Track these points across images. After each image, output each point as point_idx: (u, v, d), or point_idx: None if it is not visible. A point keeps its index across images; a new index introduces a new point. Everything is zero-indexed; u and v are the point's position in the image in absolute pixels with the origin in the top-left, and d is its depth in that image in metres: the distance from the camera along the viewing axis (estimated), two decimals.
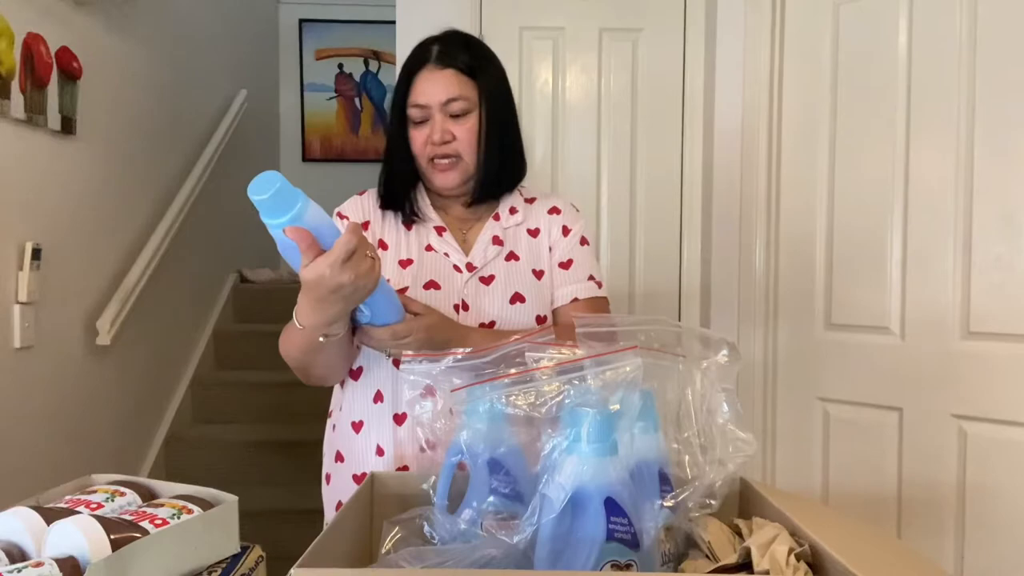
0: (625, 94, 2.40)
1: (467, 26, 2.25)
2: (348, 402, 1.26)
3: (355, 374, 1.24)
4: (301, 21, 4.71)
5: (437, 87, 1.21)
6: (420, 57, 1.24)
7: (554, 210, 1.32)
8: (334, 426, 1.30)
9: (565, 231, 1.31)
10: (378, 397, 1.22)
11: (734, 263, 2.21)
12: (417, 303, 1.12)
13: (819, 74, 2.04)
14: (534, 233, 1.30)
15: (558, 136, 2.40)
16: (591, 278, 1.30)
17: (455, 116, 1.22)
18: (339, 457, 1.27)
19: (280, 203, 0.85)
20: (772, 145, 2.13)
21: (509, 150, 1.29)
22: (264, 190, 0.84)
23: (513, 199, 1.32)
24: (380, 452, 1.20)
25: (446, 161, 1.23)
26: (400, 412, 1.20)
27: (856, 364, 1.97)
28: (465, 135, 1.22)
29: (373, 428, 1.21)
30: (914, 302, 1.86)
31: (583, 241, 1.32)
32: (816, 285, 2.05)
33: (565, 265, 1.29)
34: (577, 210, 1.36)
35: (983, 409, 1.76)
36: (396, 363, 1.19)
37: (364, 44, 4.74)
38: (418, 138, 1.23)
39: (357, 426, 1.23)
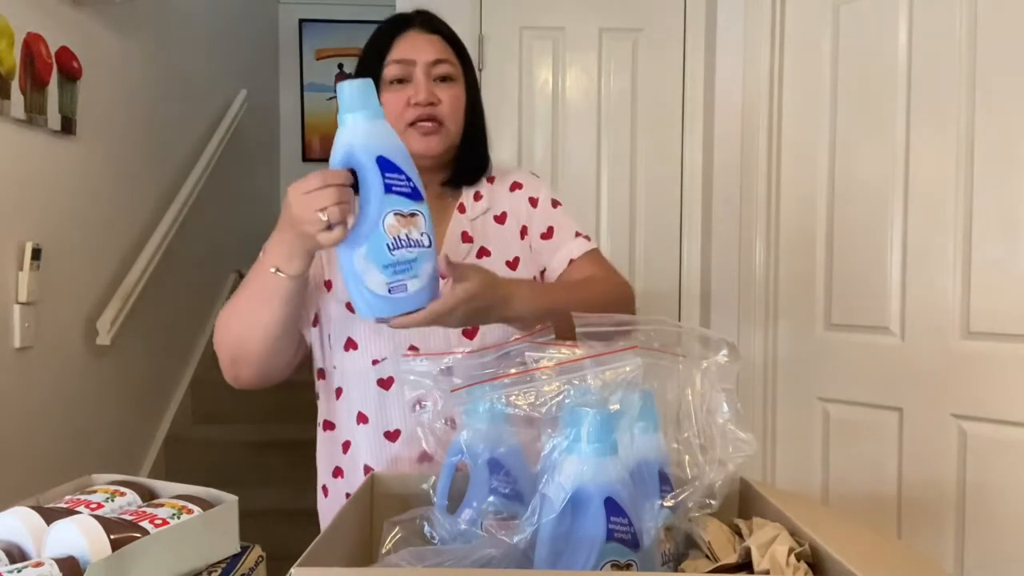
0: (625, 94, 2.40)
1: (467, 26, 2.25)
2: (333, 417, 1.22)
3: (337, 392, 1.20)
4: (301, 21, 4.71)
5: (425, 47, 1.15)
6: (401, 21, 1.19)
7: (515, 185, 1.26)
8: (326, 438, 1.25)
9: (533, 202, 1.25)
10: (361, 418, 1.16)
11: (734, 263, 2.21)
12: (455, 266, 0.94)
13: (819, 74, 2.04)
14: (501, 219, 1.23)
15: (558, 136, 2.40)
16: (578, 235, 1.24)
17: (440, 80, 1.16)
18: (337, 472, 1.22)
19: (365, 100, 0.87)
20: (772, 145, 2.13)
21: (484, 136, 1.25)
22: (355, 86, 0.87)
23: (475, 184, 1.25)
24: (368, 472, 1.14)
25: (430, 124, 1.14)
26: (392, 429, 1.13)
27: (856, 364, 1.97)
28: (450, 101, 1.16)
29: (362, 449, 1.16)
30: (914, 302, 1.86)
31: (554, 204, 1.26)
32: (816, 285, 2.05)
33: (547, 234, 1.23)
34: (537, 176, 1.31)
35: (983, 409, 1.76)
36: (384, 384, 1.13)
37: (364, 44, 4.74)
38: (396, 100, 1.13)
39: (345, 446, 1.19)
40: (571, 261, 1.22)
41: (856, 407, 1.98)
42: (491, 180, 1.27)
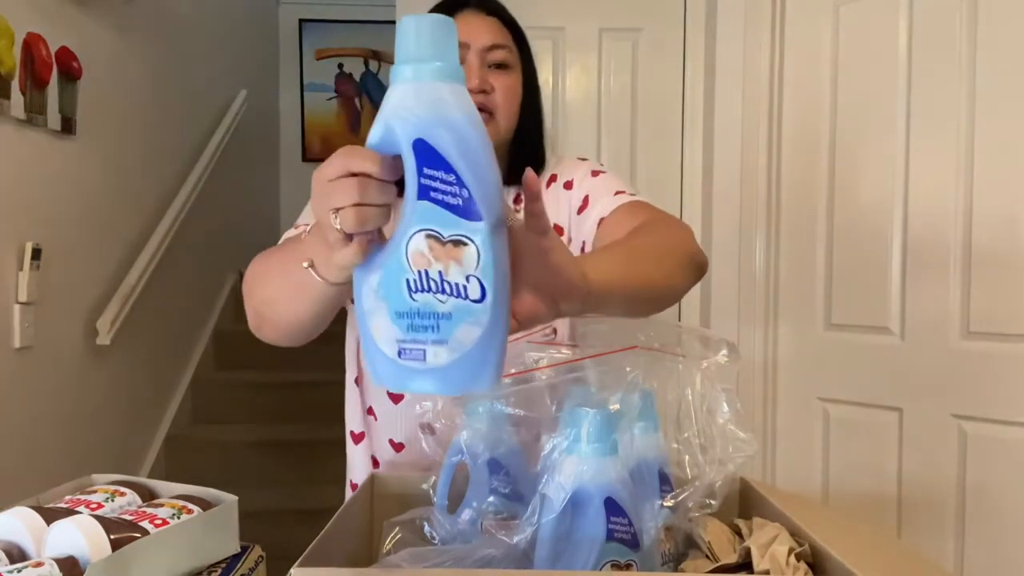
0: (625, 94, 2.40)
1: None
2: (348, 408, 1.19)
3: (357, 380, 1.16)
4: (301, 21, 4.71)
5: (481, 29, 1.06)
6: (457, 0, 1.09)
7: (551, 180, 1.15)
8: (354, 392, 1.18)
9: (568, 186, 1.13)
10: (371, 412, 1.15)
11: (734, 263, 2.21)
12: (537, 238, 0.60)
13: (819, 74, 2.04)
14: (558, 231, 1.10)
15: (558, 136, 2.40)
16: (617, 193, 1.07)
17: (495, 67, 1.06)
18: (362, 433, 1.17)
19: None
20: (772, 145, 2.13)
21: (540, 130, 1.14)
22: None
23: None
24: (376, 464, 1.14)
25: (482, 113, 1.01)
26: (398, 441, 1.11)
27: (856, 364, 1.97)
28: (504, 90, 1.06)
29: (374, 441, 1.14)
30: (914, 302, 1.86)
31: (595, 173, 1.12)
32: (816, 285, 2.05)
33: (582, 207, 1.09)
34: (581, 159, 1.18)
35: (983, 409, 1.76)
36: (394, 398, 1.10)
37: (364, 44, 4.74)
38: None
39: (369, 410, 1.15)
40: (601, 221, 1.05)
41: (856, 407, 1.98)
42: (553, 179, 1.15)
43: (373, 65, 4.76)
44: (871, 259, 1.93)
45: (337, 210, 0.57)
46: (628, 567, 0.65)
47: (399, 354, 0.57)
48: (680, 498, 0.73)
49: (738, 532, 0.79)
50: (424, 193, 0.55)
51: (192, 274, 3.28)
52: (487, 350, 0.56)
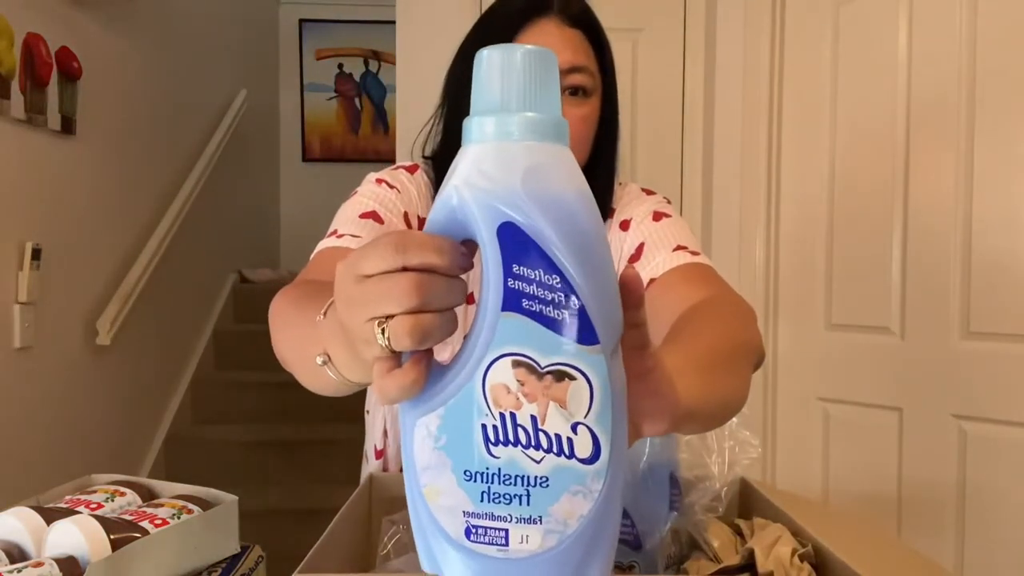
0: (625, 94, 2.38)
1: (467, 26, 2.25)
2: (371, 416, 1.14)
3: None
4: (301, 21, 4.71)
5: (561, 46, 0.89)
6: (537, 2, 0.91)
7: (624, 225, 1.01)
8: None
9: (624, 226, 0.99)
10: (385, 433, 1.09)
11: (734, 263, 2.21)
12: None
13: (819, 74, 2.04)
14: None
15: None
16: (678, 248, 0.92)
17: (571, 93, 0.91)
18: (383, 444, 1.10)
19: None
20: (772, 145, 2.13)
21: (613, 166, 0.99)
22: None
23: None
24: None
25: None
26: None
27: (856, 364, 1.97)
28: (579, 123, 0.91)
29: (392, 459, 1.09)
30: (914, 302, 1.86)
31: (657, 216, 0.97)
32: (816, 285, 2.05)
33: (636, 256, 0.95)
34: (647, 192, 1.05)
35: (983, 409, 1.76)
36: None
37: (364, 44, 4.74)
38: None
39: (379, 453, 1.11)
40: (651, 282, 0.90)
41: (856, 407, 1.98)
42: (610, 215, 1.01)
43: (373, 65, 4.76)
44: (871, 259, 1.93)
45: (385, 319, 0.40)
46: (630, 568, 0.65)
47: (467, 534, 0.40)
48: (689, 501, 0.73)
49: (739, 532, 0.78)
50: (513, 302, 0.38)
51: (192, 274, 3.28)
52: (599, 533, 0.39)
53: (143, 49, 2.78)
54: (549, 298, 0.38)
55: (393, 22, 2.30)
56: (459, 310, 0.42)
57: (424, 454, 0.41)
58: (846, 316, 2.00)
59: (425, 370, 0.40)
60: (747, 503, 0.87)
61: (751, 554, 0.68)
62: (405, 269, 0.39)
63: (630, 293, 0.42)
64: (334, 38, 4.74)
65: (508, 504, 0.39)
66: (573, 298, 0.38)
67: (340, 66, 4.75)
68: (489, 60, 0.40)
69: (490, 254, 0.39)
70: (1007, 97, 1.72)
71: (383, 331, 0.39)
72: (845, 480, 2.01)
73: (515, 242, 0.38)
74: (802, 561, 0.67)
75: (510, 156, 0.39)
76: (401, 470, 0.80)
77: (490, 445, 0.39)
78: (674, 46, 2.38)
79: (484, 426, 0.39)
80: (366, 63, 4.76)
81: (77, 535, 0.79)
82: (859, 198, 1.96)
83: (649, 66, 2.39)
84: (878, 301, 1.92)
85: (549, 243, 0.38)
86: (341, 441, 2.76)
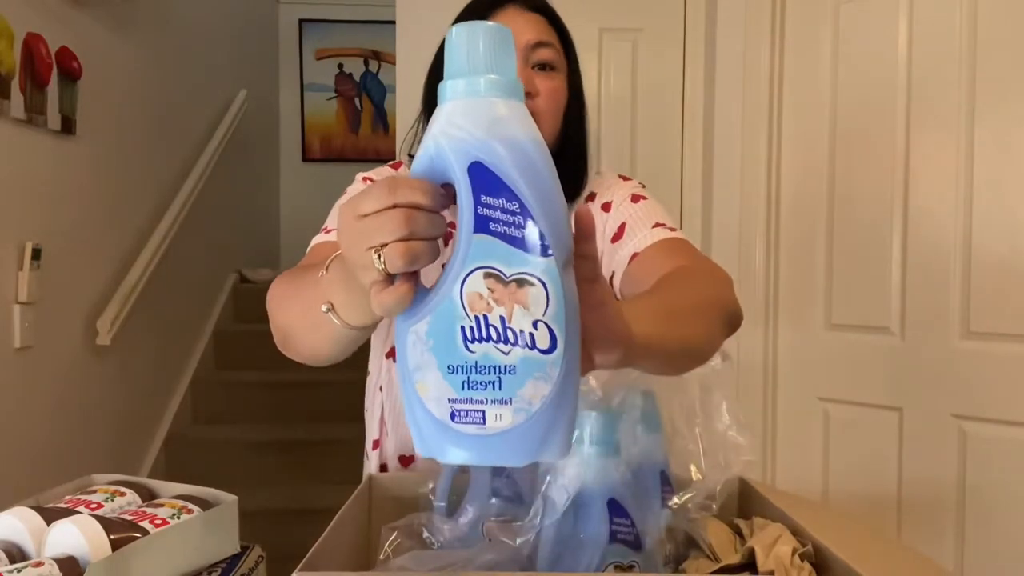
0: (625, 94, 2.40)
1: None
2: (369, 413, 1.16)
3: (380, 387, 1.12)
4: (301, 21, 4.71)
5: (524, 26, 0.99)
6: None
7: (589, 199, 1.08)
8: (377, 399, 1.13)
9: (606, 208, 1.05)
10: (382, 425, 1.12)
11: (734, 263, 2.21)
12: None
13: (819, 74, 2.04)
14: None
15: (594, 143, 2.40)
16: (657, 225, 1.00)
17: (539, 68, 0.99)
18: (380, 438, 1.14)
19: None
20: (772, 145, 2.13)
21: (584, 140, 1.08)
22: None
23: (574, 201, 1.08)
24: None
25: None
26: (408, 455, 1.08)
27: (856, 364, 1.97)
28: (550, 93, 0.99)
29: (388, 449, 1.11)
30: (914, 302, 1.86)
31: (635, 198, 1.04)
32: (816, 285, 2.05)
33: (618, 235, 1.02)
34: (623, 178, 1.11)
35: (983, 409, 1.76)
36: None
37: (364, 44, 4.74)
38: None
39: (375, 443, 1.14)
40: (633, 256, 0.98)
41: (856, 407, 1.98)
42: (591, 198, 1.09)
43: (373, 65, 4.76)
44: (871, 259, 1.93)
45: (381, 247, 0.49)
46: (631, 568, 0.65)
47: (451, 417, 0.49)
48: (683, 500, 0.73)
49: (738, 532, 0.78)
50: (482, 225, 0.47)
51: (192, 274, 3.28)
52: (558, 410, 0.48)
53: (143, 49, 2.78)
54: (511, 221, 0.47)
55: (393, 22, 2.31)
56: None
57: (415, 356, 0.49)
58: (846, 316, 2.00)
59: (414, 286, 0.50)
60: (747, 503, 0.87)
61: (751, 553, 0.68)
62: (396, 207, 0.48)
63: (583, 226, 0.50)
64: (334, 38, 4.74)
65: (484, 390, 0.48)
66: (530, 220, 0.47)
67: (340, 66, 4.75)
68: (457, 34, 0.49)
69: (463, 188, 0.48)
70: (1007, 97, 1.72)
71: (379, 256, 0.49)
72: (845, 480, 2.01)
73: (482, 178, 0.47)
74: (802, 560, 0.67)
75: (477, 110, 0.48)
76: (398, 464, 0.85)
77: (468, 343, 0.48)
78: (674, 46, 2.38)
79: (463, 327, 0.48)
80: (366, 63, 4.76)
81: (77, 535, 0.79)
82: (859, 198, 1.96)
83: (649, 66, 2.39)
84: (878, 301, 1.92)
85: (509, 178, 0.47)
86: (341, 441, 2.76)
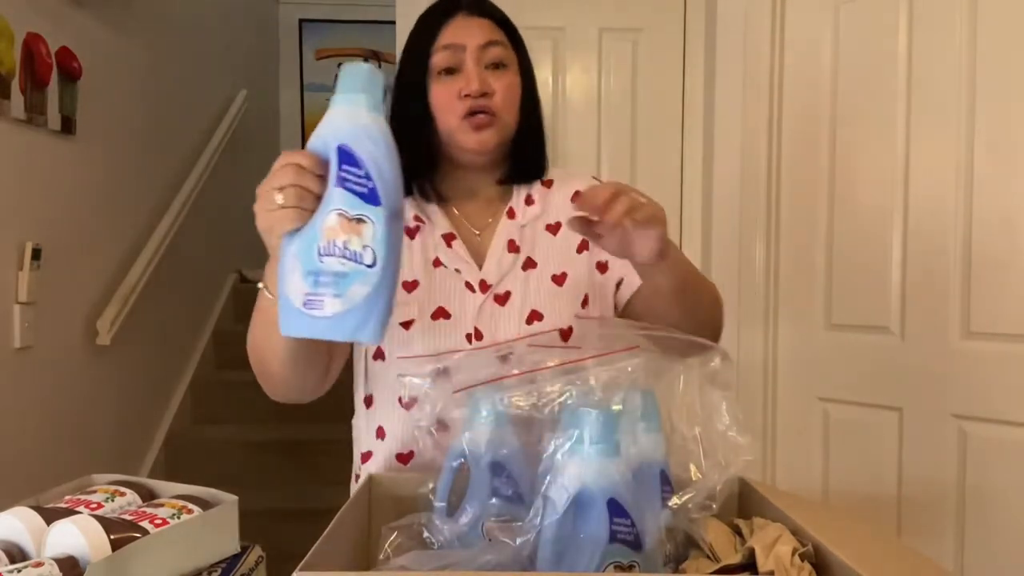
0: (625, 94, 2.40)
1: None
2: (357, 430, 1.19)
3: (367, 400, 1.15)
4: (301, 21, 4.71)
5: (474, 30, 1.06)
6: (448, 5, 1.09)
7: (576, 196, 1.12)
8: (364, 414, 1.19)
9: (575, 197, 1.09)
10: (380, 433, 1.12)
11: (734, 263, 2.21)
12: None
13: (819, 74, 2.04)
14: (554, 229, 1.12)
15: (558, 136, 2.40)
16: None
17: (493, 67, 1.07)
18: (367, 457, 1.17)
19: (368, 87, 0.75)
20: (772, 145, 2.13)
21: (541, 129, 1.16)
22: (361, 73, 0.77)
23: (529, 185, 1.15)
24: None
25: (483, 117, 1.05)
26: (405, 452, 1.08)
27: (856, 364, 1.97)
28: (504, 91, 1.07)
29: (379, 459, 1.11)
30: (914, 302, 1.86)
31: None
32: (816, 285, 2.05)
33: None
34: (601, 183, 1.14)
35: (983, 409, 1.76)
36: (405, 405, 1.03)
37: (364, 44, 4.74)
38: (446, 93, 1.05)
39: (378, 431, 1.13)
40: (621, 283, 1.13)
41: (856, 407, 1.98)
42: (548, 184, 1.16)
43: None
44: (871, 259, 1.93)
45: (281, 188, 0.74)
46: (631, 568, 0.65)
47: (304, 304, 0.73)
48: (683, 500, 0.73)
49: (738, 532, 0.78)
50: (340, 182, 0.72)
51: (192, 274, 3.28)
52: (373, 305, 0.72)
53: (143, 49, 2.78)
54: (358, 183, 0.72)
55: (393, 22, 2.31)
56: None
57: (288, 262, 0.75)
58: (846, 316, 1.99)
59: (300, 214, 0.74)
60: (746, 503, 0.87)
61: (751, 553, 0.68)
62: (290, 164, 0.75)
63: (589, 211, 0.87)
64: (334, 38, 4.74)
65: (327, 287, 0.72)
66: (369, 182, 0.72)
67: (340, 66, 4.75)
68: (346, 69, 0.76)
69: (333, 160, 0.74)
70: (1007, 97, 1.72)
71: (280, 194, 0.74)
72: (845, 480, 2.01)
73: (344, 155, 0.73)
74: (803, 560, 0.67)
75: (349, 115, 0.74)
76: (395, 461, 1.04)
77: (321, 256, 0.72)
78: (674, 46, 2.38)
79: (319, 246, 0.73)
80: (366, 63, 4.76)
81: (77, 535, 0.79)
82: (859, 198, 1.96)
83: (649, 66, 2.39)
84: (878, 301, 1.92)
85: (359, 155, 0.73)
86: (341, 441, 2.75)
